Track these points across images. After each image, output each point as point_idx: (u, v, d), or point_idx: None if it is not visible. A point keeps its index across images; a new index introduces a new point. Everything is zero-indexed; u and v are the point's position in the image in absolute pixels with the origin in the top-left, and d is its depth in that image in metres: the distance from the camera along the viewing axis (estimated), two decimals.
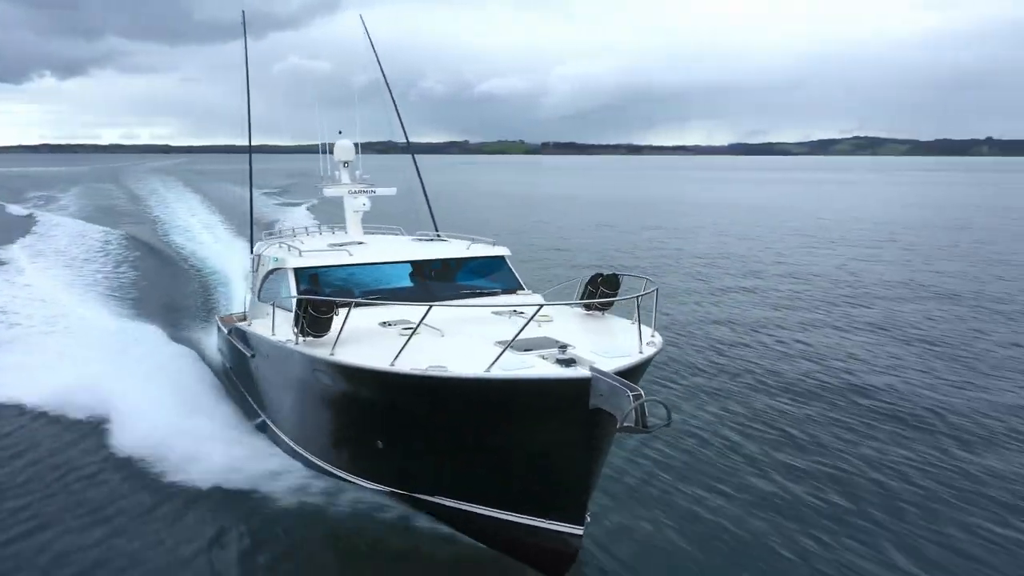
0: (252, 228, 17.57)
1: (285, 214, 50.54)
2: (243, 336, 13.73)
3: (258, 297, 14.71)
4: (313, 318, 9.75)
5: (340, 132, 17.13)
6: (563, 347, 8.76)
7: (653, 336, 9.64)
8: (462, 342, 9.45)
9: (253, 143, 19.24)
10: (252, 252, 16.47)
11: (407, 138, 19.83)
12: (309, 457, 11.82)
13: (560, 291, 12.78)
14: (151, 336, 19.59)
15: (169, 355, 17.87)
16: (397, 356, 8.50)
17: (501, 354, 8.07)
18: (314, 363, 9.73)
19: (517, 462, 8.56)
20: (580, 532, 8.54)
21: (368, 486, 10.71)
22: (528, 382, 7.81)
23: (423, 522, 10.16)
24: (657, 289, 9.71)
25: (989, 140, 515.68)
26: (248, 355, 13.27)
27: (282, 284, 12.95)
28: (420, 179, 19.19)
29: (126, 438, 13.01)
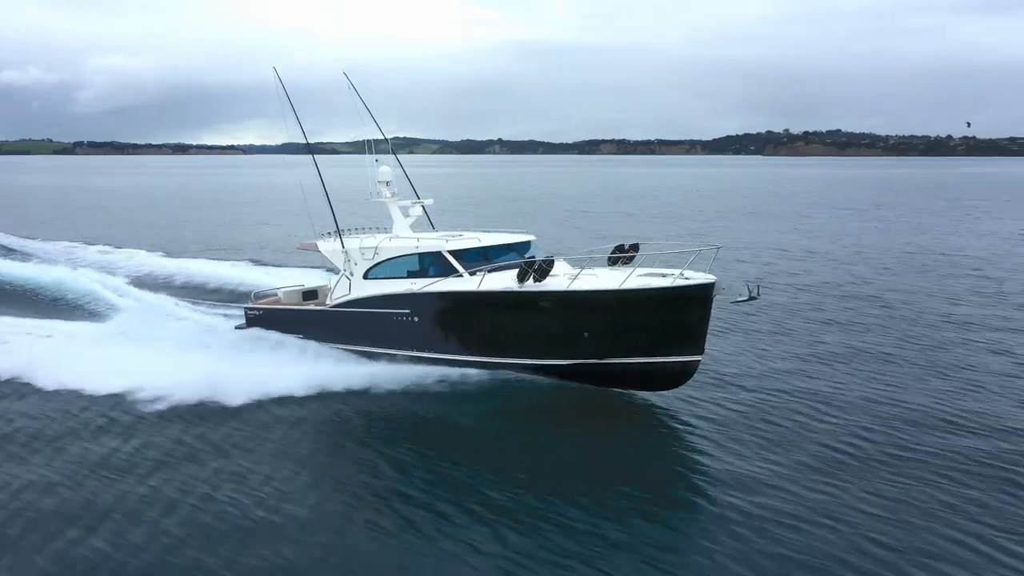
0: (340, 231, 21.53)
1: None
2: (400, 299, 18.89)
3: (364, 277, 20.18)
4: (543, 271, 16.65)
5: (376, 160, 22.09)
6: (682, 274, 16.39)
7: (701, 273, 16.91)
8: (615, 278, 16.58)
9: None
10: (343, 248, 20.87)
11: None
12: (508, 361, 18.16)
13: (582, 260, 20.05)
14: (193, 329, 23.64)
15: (243, 336, 22.41)
16: (624, 282, 15.96)
17: (678, 275, 15.98)
18: (559, 295, 16.45)
19: (680, 330, 16.16)
20: (701, 357, 17.00)
21: (565, 363, 17.45)
22: (697, 286, 15.83)
23: (575, 384, 17.94)
24: (719, 247, 16.95)
25: (500, 140, 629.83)
26: (405, 312, 18.89)
27: (419, 263, 19.03)
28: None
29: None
